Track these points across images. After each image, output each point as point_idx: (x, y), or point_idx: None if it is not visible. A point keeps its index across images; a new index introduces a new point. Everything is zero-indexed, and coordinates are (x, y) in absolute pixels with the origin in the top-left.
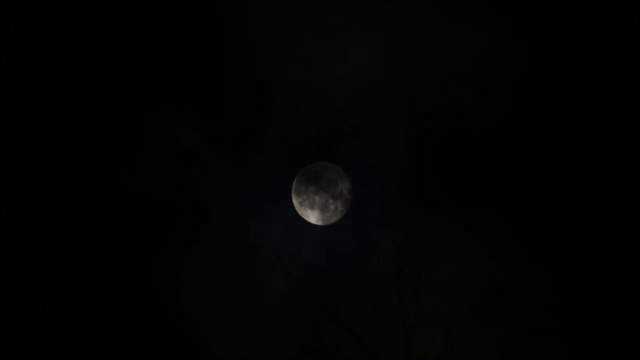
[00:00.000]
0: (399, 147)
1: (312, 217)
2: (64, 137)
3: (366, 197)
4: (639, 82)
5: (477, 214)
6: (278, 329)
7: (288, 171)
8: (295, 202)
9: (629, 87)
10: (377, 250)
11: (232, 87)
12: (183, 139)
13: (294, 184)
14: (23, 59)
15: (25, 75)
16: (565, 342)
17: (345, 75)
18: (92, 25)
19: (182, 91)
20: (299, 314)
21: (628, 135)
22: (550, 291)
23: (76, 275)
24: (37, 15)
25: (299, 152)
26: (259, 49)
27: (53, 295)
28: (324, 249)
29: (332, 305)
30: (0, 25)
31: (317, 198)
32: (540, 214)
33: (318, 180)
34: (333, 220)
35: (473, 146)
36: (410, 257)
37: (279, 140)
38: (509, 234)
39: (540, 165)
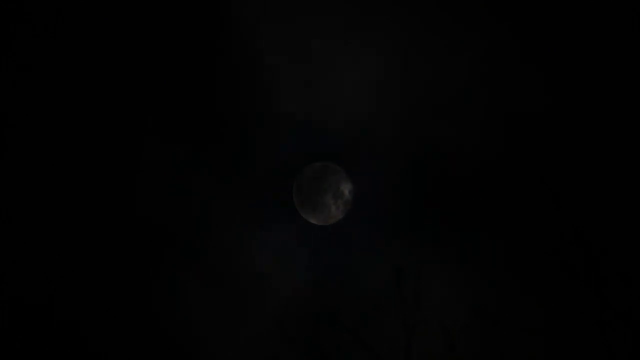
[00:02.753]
0: (397, 165)
1: (313, 217)
2: (60, 163)
3: (367, 197)
4: (637, 84)
5: (477, 215)
6: (278, 330)
7: (288, 172)
8: (296, 202)
9: (628, 89)
10: (377, 251)
11: (227, 98)
12: (180, 152)
13: (294, 184)
14: (23, 71)
15: (24, 92)
16: (565, 342)
17: (339, 102)
18: (90, 48)
19: (178, 102)
20: (299, 314)
21: (626, 137)
22: (549, 292)
23: (75, 297)
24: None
25: (299, 159)
26: (254, 65)
27: (50, 317)
28: (324, 249)
29: (332, 305)
30: None
31: (318, 198)
32: (539, 214)
33: (319, 180)
34: (333, 220)
35: (471, 159)
36: (410, 258)
37: (276, 152)
38: (509, 235)
39: (541, 167)
